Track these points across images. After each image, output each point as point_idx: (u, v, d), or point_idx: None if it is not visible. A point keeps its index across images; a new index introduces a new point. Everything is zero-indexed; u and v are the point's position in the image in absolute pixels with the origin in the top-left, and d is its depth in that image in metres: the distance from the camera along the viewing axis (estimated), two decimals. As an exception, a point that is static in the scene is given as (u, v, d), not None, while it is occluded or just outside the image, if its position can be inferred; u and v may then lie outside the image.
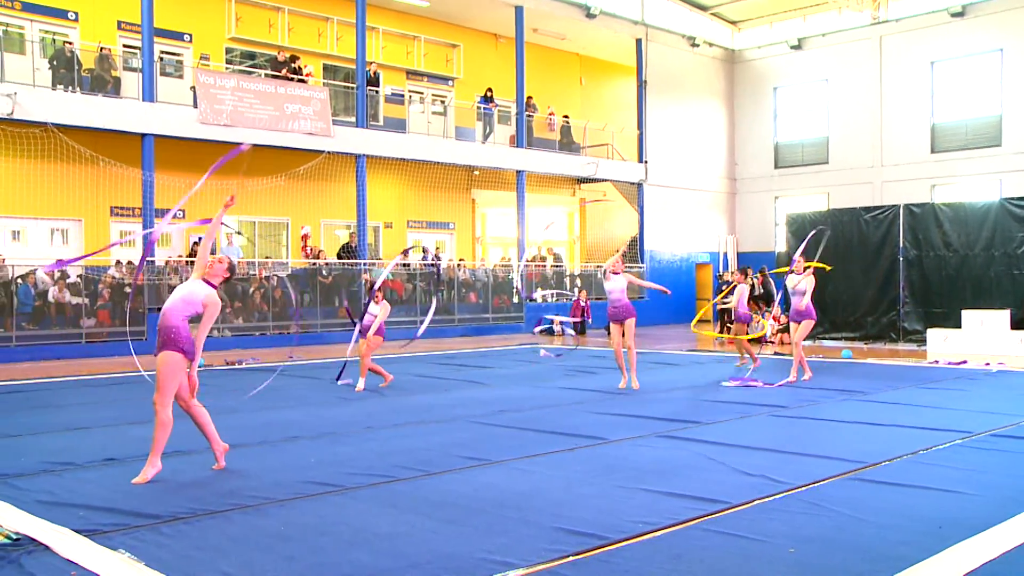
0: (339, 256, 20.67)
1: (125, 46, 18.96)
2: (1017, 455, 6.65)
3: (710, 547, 4.47)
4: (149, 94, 17.29)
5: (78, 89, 16.98)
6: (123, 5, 18.92)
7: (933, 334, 15.83)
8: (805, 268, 11.82)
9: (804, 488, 5.60)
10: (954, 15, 25.05)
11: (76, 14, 18.74)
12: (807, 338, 18.11)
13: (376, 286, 10.97)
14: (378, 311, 11.00)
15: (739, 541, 4.54)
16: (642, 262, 26.82)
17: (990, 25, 24.57)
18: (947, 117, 25.45)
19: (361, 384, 10.91)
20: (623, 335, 10.97)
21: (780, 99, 29.35)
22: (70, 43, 17.53)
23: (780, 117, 29.35)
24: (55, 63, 17.01)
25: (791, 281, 11.79)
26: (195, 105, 17.81)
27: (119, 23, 19.13)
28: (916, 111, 25.86)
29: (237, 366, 14.28)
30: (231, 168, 19.77)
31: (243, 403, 9.67)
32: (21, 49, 17.37)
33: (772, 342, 18.30)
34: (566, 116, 26.33)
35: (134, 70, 17.99)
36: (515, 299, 23.30)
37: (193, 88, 18.17)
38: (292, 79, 19.38)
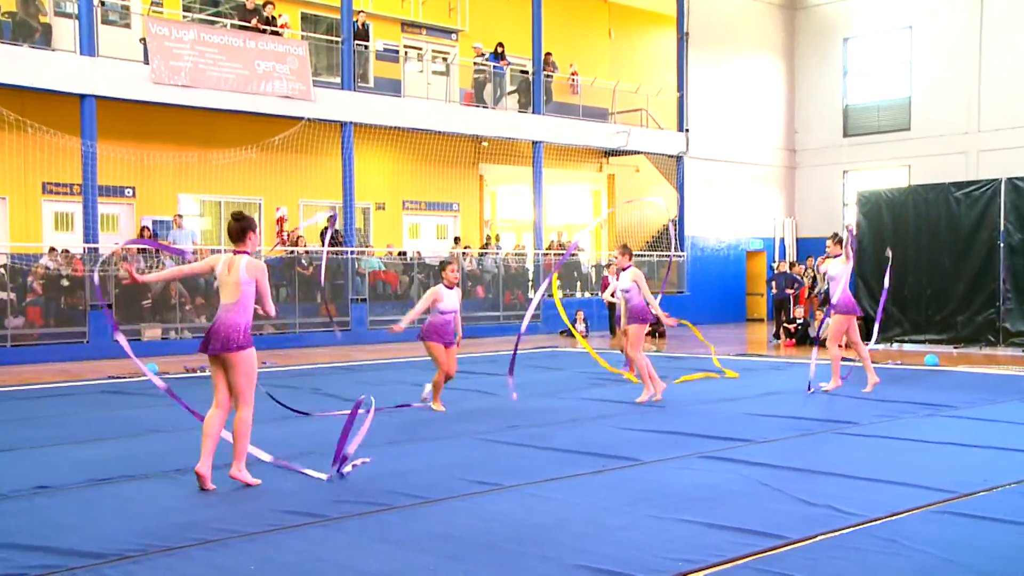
0: (322, 242, 20.72)
1: (55, -13, 18.91)
2: None
3: (765, 591, 4.46)
4: (88, 47, 17.26)
5: (-4, 37, 16.86)
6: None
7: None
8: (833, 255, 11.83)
9: (879, 522, 5.57)
10: None
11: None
12: (864, 339, 18.16)
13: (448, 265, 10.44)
14: (454, 299, 10.35)
15: (800, 584, 4.53)
16: (682, 250, 26.80)
17: None
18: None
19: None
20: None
21: (851, 52, 29.23)
22: (-17, -21, 17.36)
23: (851, 74, 29.26)
24: (-37, 4, 16.84)
25: (826, 267, 11.98)
26: (146, 61, 17.86)
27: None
28: (1024, 65, 25.50)
29: (199, 373, 14.33)
30: (190, 137, 19.97)
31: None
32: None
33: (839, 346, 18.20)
34: (592, 77, 26.30)
35: (68, 16, 17.91)
36: (530, 294, 23.31)
37: (143, 40, 18.20)
38: (264, 31, 19.43)
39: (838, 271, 11.62)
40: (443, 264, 10.45)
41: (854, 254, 11.41)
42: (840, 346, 12.09)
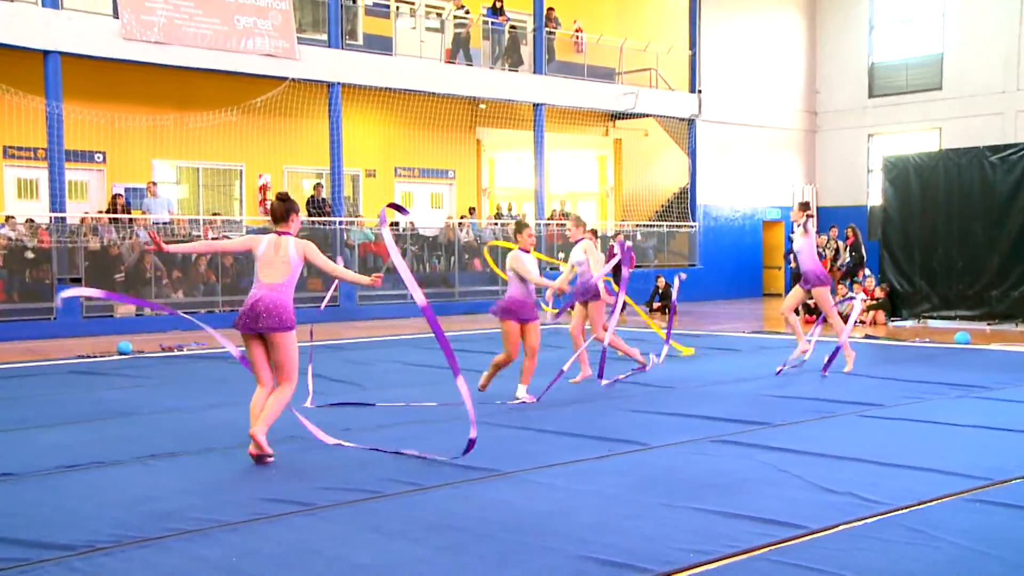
0: (308, 212, 20.73)
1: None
2: None
3: (784, 584, 4.47)
4: (53, -1, 17.16)
5: (-55, -14, 16.74)
6: None
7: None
8: (806, 221, 12.01)
9: (906, 510, 5.58)
10: None
11: None
12: (891, 315, 18.17)
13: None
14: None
15: (821, 577, 4.54)
16: (693, 220, 26.78)
17: None
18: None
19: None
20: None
21: (879, 5, 29.11)
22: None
23: (878, 30, 29.14)
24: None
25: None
26: (115, 15, 17.74)
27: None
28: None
29: (176, 352, 14.35)
30: (165, 98, 19.89)
31: (184, 399, 9.74)
32: None
33: (862, 322, 18.24)
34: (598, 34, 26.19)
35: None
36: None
37: (113, -8, 18.06)
38: (243, -17, 19.33)
39: (801, 244, 11.89)
40: (520, 226, 9.71)
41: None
42: (870, 323, 12.12)
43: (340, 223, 20.34)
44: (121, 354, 14.02)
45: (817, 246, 21.15)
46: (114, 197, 18.86)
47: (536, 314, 9.61)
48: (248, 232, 20.28)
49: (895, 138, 28.33)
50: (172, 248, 7.82)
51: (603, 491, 6.06)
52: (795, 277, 20.87)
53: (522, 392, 9.61)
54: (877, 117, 28.88)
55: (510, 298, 9.55)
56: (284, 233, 7.27)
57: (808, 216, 12.11)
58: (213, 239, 8.63)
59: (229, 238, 19.28)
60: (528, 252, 9.61)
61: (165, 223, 18.93)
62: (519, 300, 9.51)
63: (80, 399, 9.93)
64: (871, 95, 29.11)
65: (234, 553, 4.93)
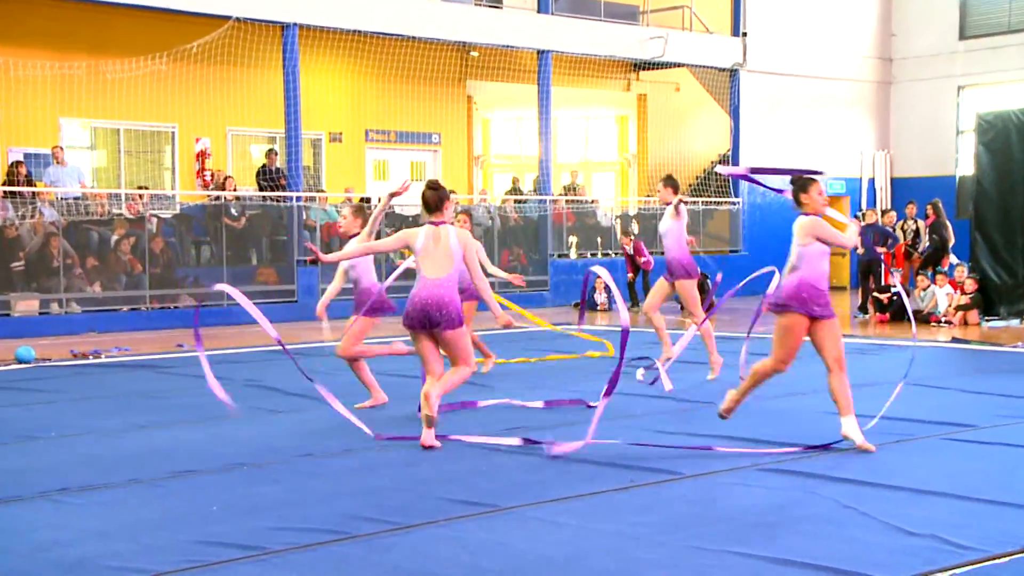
0: (259, 185, 20.75)
1: None
2: None
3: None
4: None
5: None
6: None
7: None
8: (679, 202, 12.27)
9: (1005, 559, 5.58)
10: None
11: None
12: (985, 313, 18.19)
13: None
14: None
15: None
16: (736, 195, 26.85)
17: None
18: None
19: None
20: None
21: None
22: None
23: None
24: None
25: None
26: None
27: None
28: None
29: (91, 360, 14.34)
30: (75, 40, 19.81)
31: (103, 419, 9.74)
32: None
33: (949, 322, 18.26)
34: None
35: None
36: (535, 255, 23.33)
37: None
38: None
39: (668, 226, 12.21)
40: (803, 185, 9.19)
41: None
42: (959, 323, 12.15)
43: (298, 199, 20.32)
44: (21, 363, 13.99)
45: (891, 228, 21.38)
46: (12, 165, 18.80)
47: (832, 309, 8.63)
48: (182, 211, 20.28)
49: (993, 90, 28.39)
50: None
51: (623, 531, 6.07)
52: (862, 266, 20.96)
53: (851, 429, 8.28)
54: (969, 64, 28.89)
55: (801, 282, 8.46)
56: (440, 223, 8.46)
57: (680, 198, 12.29)
58: (373, 238, 9.39)
59: (161, 218, 19.38)
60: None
61: (76, 198, 18.91)
62: (809, 284, 8.51)
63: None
64: (962, 36, 29.18)
65: (162, 610, 4.97)
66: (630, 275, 22.41)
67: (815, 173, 7.64)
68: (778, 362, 8.64)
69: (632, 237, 23.15)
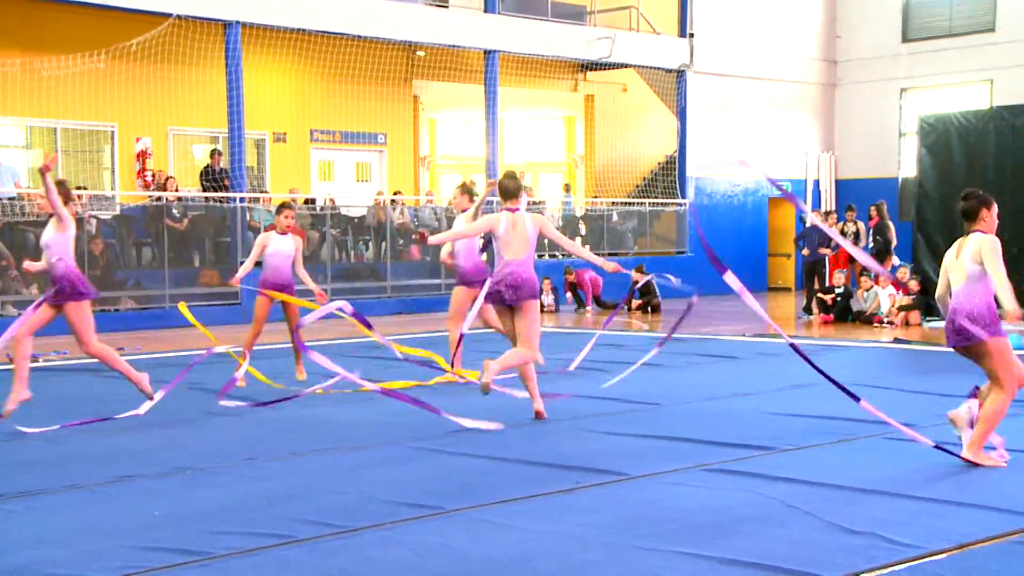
0: (202, 186, 20.62)
1: None
2: None
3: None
4: None
5: None
6: None
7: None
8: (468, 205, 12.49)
9: (943, 555, 5.65)
10: None
11: None
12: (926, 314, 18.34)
13: None
14: None
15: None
16: (683, 196, 26.97)
17: None
18: None
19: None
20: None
21: (911, -71, 29.44)
22: None
23: (913, -42, 29.46)
24: None
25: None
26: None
27: None
28: None
29: (34, 362, 14.15)
30: (9, 37, 19.59)
31: (42, 423, 9.62)
32: None
33: (892, 323, 18.44)
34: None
35: None
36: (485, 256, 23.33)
37: None
38: None
39: (466, 222, 12.19)
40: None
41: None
42: (900, 323, 12.23)
43: (242, 200, 20.21)
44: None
45: (827, 227, 21.54)
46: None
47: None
48: (122, 212, 20.09)
49: (935, 93, 28.70)
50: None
51: (570, 532, 6.09)
52: (806, 268, 21.12)
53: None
54: (912, 67, 29.19)
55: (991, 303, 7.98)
56: (515, 210, 9.63)
57: (476, 204, 12.35)
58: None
59: (100, 219, 19.20)
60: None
61: (11, 199, 18.69)
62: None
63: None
64: (905, 39, 29.49)
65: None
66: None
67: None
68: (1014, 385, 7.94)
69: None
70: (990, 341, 7.70)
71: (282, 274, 12.04)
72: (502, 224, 9.53)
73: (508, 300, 9.46)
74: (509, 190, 9.80)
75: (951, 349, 8.02)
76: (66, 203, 9.85)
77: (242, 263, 19.83)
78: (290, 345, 12.33)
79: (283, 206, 12.33)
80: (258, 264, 12.30)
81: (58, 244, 9.80)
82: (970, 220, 7.87)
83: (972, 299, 7.78)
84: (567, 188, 27.18)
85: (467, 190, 12.74)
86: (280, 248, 12.00)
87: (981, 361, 7.87)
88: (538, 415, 9.80)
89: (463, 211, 12.40)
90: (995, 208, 7.90)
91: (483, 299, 9.87)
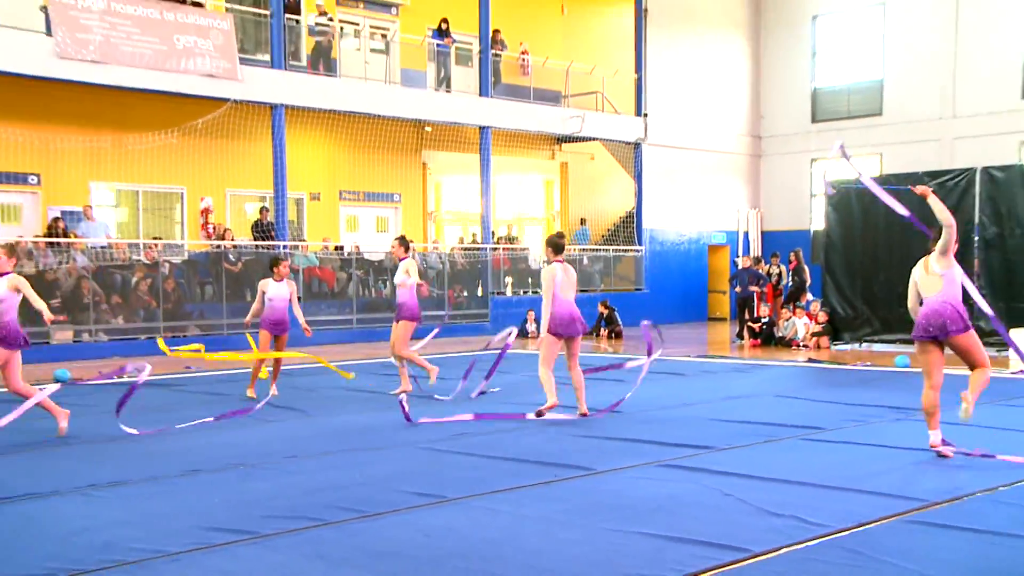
0: (253, 236, 20.64)
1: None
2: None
3: (727, 607, 4.57)
4: (-23, 16, 16.99)
5: None
6: None
7: (1018, 336, 16.05)
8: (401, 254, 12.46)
9: (846, 532, 5.70)
10: None
11: None
12: (834, 339, 18.41)
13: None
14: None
15: (764, 599, 4.64)
16: (639, 244, 27.01)
17: None
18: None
19: None
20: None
21: (820, 32, 29.70)
22: None
23: (820, 56, 29.70)
24: None
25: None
26: (49, 33, 17.57)
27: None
28: (1003, 44, 25.90)
29: (116, 380, 14.15)
30: (103, 119, 19.69)
31: (121, 429, 9.62)
32: None
33: (806, 346, 18.51)
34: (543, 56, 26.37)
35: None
36: (479, 292, 23.38)
37: (44, 9, 17.86)
38: (184, 2, 19.24)
39: (402, 279, 12.22)
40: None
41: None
42: (813, 347, 12.24)
43: (285, 247, 20.24)
44: (59, 382, 13.77)
45: (761, 271, 21.66)
46: (52, 221, 18.57)
47: None
48: (189, 257, 20.10)
49: (838, 163, 28.72)
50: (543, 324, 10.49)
51: (549, 517, 6.10)
52: (739, 302, 21.19)
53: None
54: (820, 142, 29.22)
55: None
56: (562, 261, 10.23)
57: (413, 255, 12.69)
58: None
59: (172, 263, 19.20)
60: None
61: (103, 247, 18.73)
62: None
63: (15, 428, 9.75)
64: (814, 120, 29.60)
65: (175, 583, 4.93)
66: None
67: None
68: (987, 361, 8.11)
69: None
70: (969, 332, 7.83)
71: (279, 313, 11.93)
72: (559, 273, 10.05)
73: (580, 332, 10.18)
74: (559, 247, 10.29)
75: (928, 340, 7.81)
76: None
77: (298, 299, 19.88)
78: (271, 369, 12.26)
79: (277, 259, 12.25)
80: None
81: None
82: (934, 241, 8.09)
83: (951, 298, 7.83)
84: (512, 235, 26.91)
85: (404, 243, 12.46)
86: (278, 293, 11.91)
87: (958, 347, 7.85)
88: (583, 415, 10.16)
89: (401, 259, 12.25)
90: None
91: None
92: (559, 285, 10.01)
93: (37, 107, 18.67)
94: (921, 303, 8.05)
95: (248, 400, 11.78)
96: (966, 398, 7.77)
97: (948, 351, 7.93)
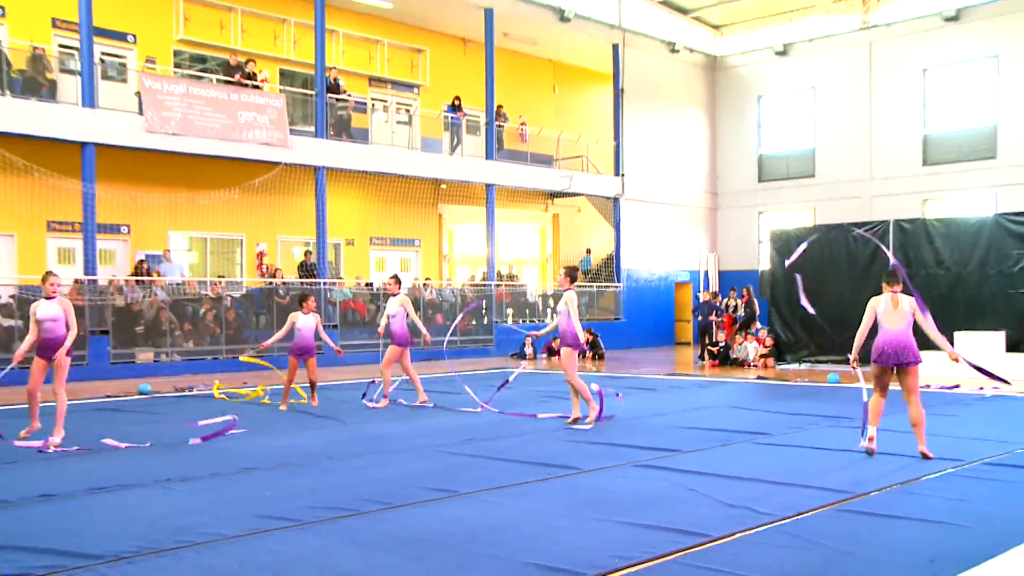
0: (299, 274, 20.65)
1: (61, 46, 18.67)
2: (1012, 485, 6.80)
3: (690, 582, 4.54)
4: (89, 99, 17.13)
5: (8, 92, 16.64)
6: (57, 1, 18.59)
7: (925, 357, 16.06)
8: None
9: (789, 520, 5.69)
10: (948, 19, 25.50)
11: (3, 9, 18.31)
12: (778, 359, 18.41)
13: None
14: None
15: (720, 576, 4.61)
16: (618, 281, 27.01)
17: (985, 30, 24.99)
18: (940, 128, 25.99)
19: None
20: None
21: (764, 108, 29.82)
22: (-4, 41, 17.28)
23: (764, 128, 29.82)
24: (-21, 62, 16.67)
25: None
26: (140, 112, 17.71)
27: (54, 20, 18.85)
28: (907, 121, 26.37)
29: (187, 393, 14.17)
30: (179, 180, 19.80)
31: (194, 432, 9.62)
32: (-61, 46, 16.99)
33: (756, 366, 18.49)
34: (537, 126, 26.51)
35: (72, 72, 17.71)
36: (484, 320, 23.37)
37: (138, 93, 18.07)
38: (246, 85, 19.39)
39: (395, 309, 12.27)
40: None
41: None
42: (761, 367, 12.21)
43: (324, 284, 20.28)
44: (141, 394, 13.82)
45: (718, 304, 21.66)
46: (138, 263, 18.66)
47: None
48: (247, 292, 20.12)
49: (779, 215, 28.88)
50: (541, 333, 11.54)
51: (544, 508, 6.10)
52: (701, 329, 21.16)
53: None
54: (765, 198, 29.46)
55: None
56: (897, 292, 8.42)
57: (400, 286, 12.51)
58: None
59: (233, 297, 19.21)
60: None
61: (178, 284, 18.76)
62: None
63: (106, 432, 9.77)
64: (760, 180, 29.68)
65: (235, 562, 4.93)
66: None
67: (1000, 380, 8.47)
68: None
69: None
70: (919, 364, 7.91)
71: (307, 341, 11.85)
72: (574, 298, 10.00)
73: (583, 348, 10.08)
74: (575, 276, 10.23)
75: (890, 366, 7.87)
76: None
77: (335, 326, 20.11)
78: (306, 387, 12.56)
79: (305, 296, 12.09)
80: None
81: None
82: (894, 283, 8.00)
83: (910, 336, 7.86)
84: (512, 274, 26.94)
85: (397, 280, 12.48)
86: (306, 324, 11.85)
87: (906, 376, 7.85)
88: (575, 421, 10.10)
89: (394, 295, 12.28)
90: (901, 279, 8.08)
91: (577, 353, 10.08)
92: (577, 309, 10.06)
93: (128, 171, 18.77)
94: (876, 331, 8.01)
95: (279, 412, 11.69)
96: (925, 453, 7.77)
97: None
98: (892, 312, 7.98)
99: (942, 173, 25.58)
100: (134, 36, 20.06)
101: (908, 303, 7.99)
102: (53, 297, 9.17)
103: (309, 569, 4.80)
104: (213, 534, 5.45)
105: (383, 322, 12.49)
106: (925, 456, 7.75)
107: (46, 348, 9.06)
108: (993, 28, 24.87)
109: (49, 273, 9.33)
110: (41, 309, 9.13)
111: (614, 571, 4.70)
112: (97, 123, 17.12)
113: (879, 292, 8.28)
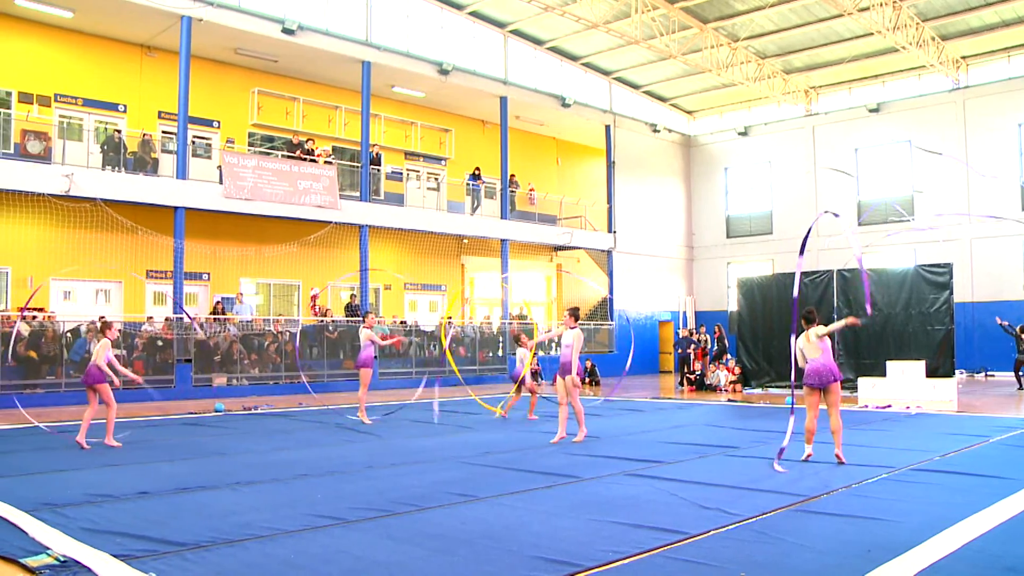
0: (345, 314, 20.71)
1: (164, 132, 19.22)
2: (932, 486, 6.78)
3: (671, 573, 4.49)
4: (182, 172, 17.62)
5: (123, 169, 17.40)
6: (163, 97, 19.27)
7: (863, 382, 15.91)
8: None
9: (754, 519, 5.64)
10: (871, 111, 26.54)
11: (124, 106, 19.15)
12: (745, 384, 18.25)
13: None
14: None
15: (697, 567, 4.57)
16: (611, 320, 26.97)
17: (900, 119, 25.99)
18: (870, 196, 26.39)
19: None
20: None
21: (730, 177, 29.98)
22: (118, 131, 18.06)
23: (731, 193, 29.96)
24: (105, 147, 17.60)
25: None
26: (220, 182, 18.02)
27: (159, 112, 19.47)
28: (844, 189, 26.76)
29: (253, 411, 14.18)
30: (250, 236, 19.99)
31: (258, 444, 9.63)
32: (79, 136, 17.90)
33: (727, 390, 18.36)
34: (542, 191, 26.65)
35: (170, 152, 18.36)
36: (499, 352, 23.32)
37: (219, 167, 18.42)
38: (304, 159, 19.64)
39: (365, 338, 12.24)
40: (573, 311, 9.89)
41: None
42: (731, 391, 12.08)
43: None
44: (216, 412, 13.84)
45: (694, 339, 21.54)
46: (216, 304, 18.82)
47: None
48: (303, 328, 20.20)
49: (744, 265, 28.88)
50: (534, 343, 11.23)
51: (549, 510, 6.05)
52: (680, 360, 21.01)
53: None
54: (732, 251, 29.51)
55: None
56: (575, 327, 9.45)
57: (373, 320, 12.60)
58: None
59: (291, 332, 19.27)
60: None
61: (247, 321, 18.85)
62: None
63: (190, 443, 9.79)
64: (728, 236, 29.75)
65: (290, 552, 4.91)
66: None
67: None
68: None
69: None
70: (839, 382, 7.94)
71: (367, 352, 12.13)
72: (581, 337, 9.49)
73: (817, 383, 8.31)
74: (577, 316, 9.62)
75: (815, 387, 7.89)
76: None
77: (376, 358, 20.00)
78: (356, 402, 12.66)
79: (367, 312, 12.38)
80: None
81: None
82: (810, 323, 8.07)
83: (829, 360, 7.93)
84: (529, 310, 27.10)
85: (371, 316, 12.62)
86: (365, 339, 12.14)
87: (828, 393, 7.91)
88: (560, 439, 9.65)
89: (371, 327, 12.38)
90: (815, 318, 8.12)
91: (566, 379, 9.46)
92: (575, 342, 9.51)
93: (209, 229, 19.02)
94: (807, 362, 8.10)
95: (359, 423, 11.72)
96: (839, 456, 7.83)
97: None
98: (808, 344, 8.09)
99: (874, 231, 25.65)
100: (218, 122, 20.49)
101: (815, 334, 8.01)
102: None
103: (350, 559, 4.77)
104: (273, 528, 5.43)
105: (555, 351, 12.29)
106: (839, 459, 7.84)
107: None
108: (906, 118, 25.80)
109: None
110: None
111: (608, 563, 4.66)
112: (187, 191, 17.48)
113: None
